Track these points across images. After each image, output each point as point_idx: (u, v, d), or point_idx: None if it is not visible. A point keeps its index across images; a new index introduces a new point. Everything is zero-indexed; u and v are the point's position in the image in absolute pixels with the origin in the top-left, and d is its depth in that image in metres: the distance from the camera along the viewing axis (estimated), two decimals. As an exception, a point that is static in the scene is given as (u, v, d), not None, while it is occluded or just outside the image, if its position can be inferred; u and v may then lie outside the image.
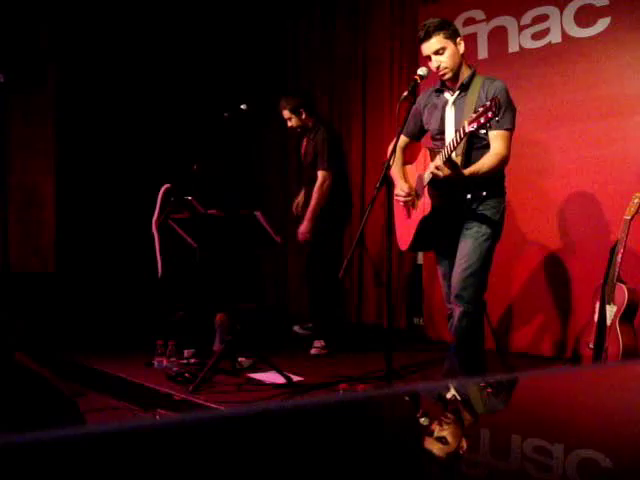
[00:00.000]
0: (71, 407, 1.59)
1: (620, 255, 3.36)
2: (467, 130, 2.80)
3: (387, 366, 3.06)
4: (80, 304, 5.14)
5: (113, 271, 5.48)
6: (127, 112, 5.69)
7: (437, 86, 3.25)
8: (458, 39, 3.15)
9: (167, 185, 3.64)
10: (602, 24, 4.10)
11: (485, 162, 2.99)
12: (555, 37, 4.33)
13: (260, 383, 3.55)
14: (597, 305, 3.45)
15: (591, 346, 3.42)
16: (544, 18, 4.38)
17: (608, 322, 3.38)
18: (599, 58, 4.13)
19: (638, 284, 3.45)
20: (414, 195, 3.26)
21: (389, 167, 3.04)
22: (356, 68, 5.86)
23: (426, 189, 3.09)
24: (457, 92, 3.16)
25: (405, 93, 3.09)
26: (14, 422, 1.33)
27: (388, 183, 3.05)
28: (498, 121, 2.82)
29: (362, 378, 3.68)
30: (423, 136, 3.44)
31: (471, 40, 4.77)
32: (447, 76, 3.13)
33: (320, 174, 4.38)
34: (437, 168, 2.90)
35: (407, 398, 0.85)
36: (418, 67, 3.23)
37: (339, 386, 3.46)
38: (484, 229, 3.08)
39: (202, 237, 3.72)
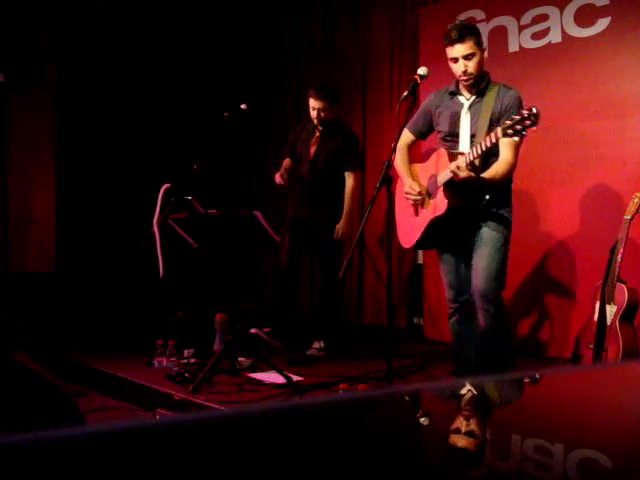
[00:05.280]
0: (71, 407, 1.58)
1: (620, 255, 3.36)
2: (500, 136, 2.84)
3: (387, 366, 3.06)
4: (80, 304, 5.14)
5: (113, 271, 5.48)
6: (127, 112, 5.69)
7: (451, 88, 3.27)
8: (484, 47, 3.19)
9: (167, 185, 3.64)
10: (602, 24, 4.10)
11: (499, 169, 3.06)
12: (555, 37, 4.33)
13: (260, 383, 3.55)
14: (597, 305, 3.45)
15: (591, 346, 3.42)
16: (544, 18, 4.38)
17: (608, 322, 3.37)
18: (599, 58, 4.13)
19: (638, 284, 3.45)
20: (425, 194, 3.27)
21: (389, 167, 3.04)
22: (356, 68, 5.86)
23: (441, 189, 3.10)
24: (473, 97, 3.18)
25: (405, 93, 3.10)
26: (14, 422, 1.33)
27: (388, 183, 3.05)
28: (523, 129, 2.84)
29: (362, 378, 3.68)
30: (429, 135, 3.45)
31: (471, 40, 4.78)
32: (469, 82, 3.15)
33: (354, 175, 4.40)
34: (458, 168, 2.93)
35: (407, 398, 0.85)
36: (418, 67, 3.24)
37: (339, 386, 3.46)
38: (500, 233, 3.16)
39: (202, 237, 3.72)
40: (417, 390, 0.91)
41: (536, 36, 4.43)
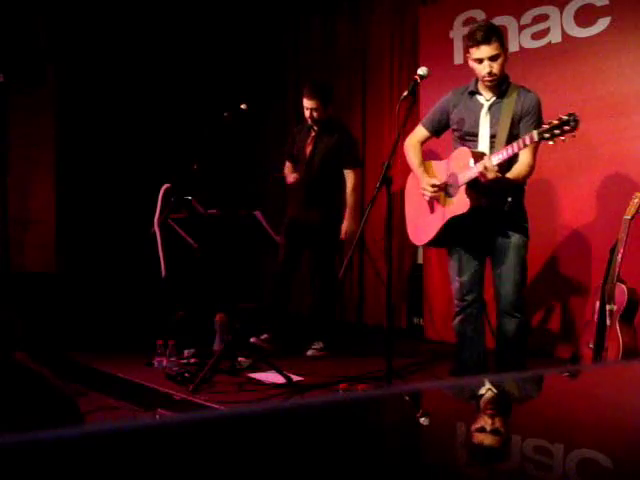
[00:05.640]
0: (71, 407, 1.58)
1: (620, 255, 3.36)
2: (536, 139, 2.88)
3: (387, 366, 3.06)
4: (80, 304, 5.14)
5: (113, 271, 5.48)
6: (127, 111, 5.69)
7: (470, 88, 3.28)
8: (507, 48, 3.24)
9: (167, 185, 3.64)
10: (602, 24, 4.10)
11: (520, 171, 3.11)
12: (555, 37, 4.33)
13: (260, 383, 3.55)
14: (597, 305, 3.45)
15: (591, 346, 3.42)
16: (544, 18, 4.38)
17: (608, 322, 3.37)
18: (599, 58, 4.13)
19: (638, 284, 3.45)
20: (443, 192, 3.28)
21: (389, 167, 3.05)
22: (356, 68, 5.86)
23: (463, 188, 3.11)
24: (493, 98, 3.21)
25: (405, 93, 3.11)
26: (14, 422, 1.33)
27: (388, 183, 3.05)
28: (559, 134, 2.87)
29: (362, 378, 3.68)
30: (444, 133, 3.45)
31: (471, 40, 4.78)
32: (492, 83, 3.18)
33: (354, 172, 4.40)
34: (485, 168, 2.95)
35: (407, 398, 0.85)
36: (418, 67, 3.24)
37: (339, 386, 3.46)
38: (522, 238, 3.22)
39: (202, 237, 3.72)
40: (419, 389, 0.91)
41: (536, 36, 4.43)
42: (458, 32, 4.85)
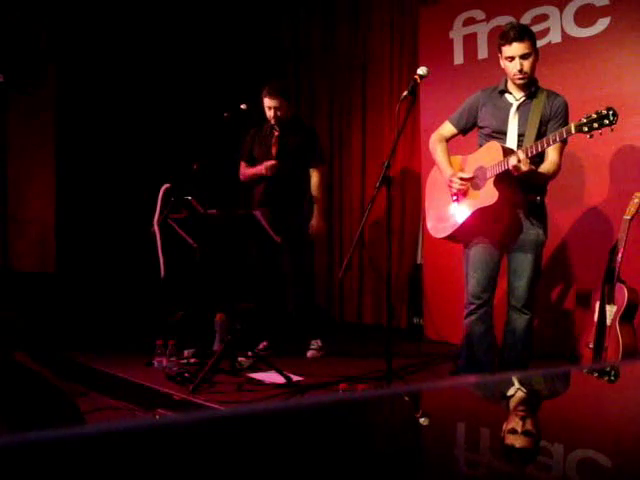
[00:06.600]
0: (71, 407, 1.58)
1: (620, 255, 3.36)
2: (573, 132, 2.91)
3: (387, 366, 3.06)
4: (80, 304, 5.15)
5: (113, 271, 5.49)
6: (127, 112, 5.69)
7: (500, 87, 3.31)
8: (538, 50, 3.26)
9: (167, 185, 3.64)
10: (602, 24, 4.11)
11: (550, 168, 3.16)
12: (555, 37, 4.34)
13: (260, 383, 3.55)
14: (597, 305, 3.45)
15: (591, 346, 3.42)
16: (544, 18, 4.38)
17: (608, 322, 3.38)
18: (599, 58, 4.14)
19: (638, 284, 3.45)
20: (469, 184, 3.30)
21: (389, 167, 3.05)
22: (356, 68, 5.87)
23: (491, 180, 3.14)
24: (523, 98, 3.24)
25: (405, 93, 3.13)
26: (14, 422, 1.33)
27: (388, 183, 3.05)
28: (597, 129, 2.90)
29: (362, 378, 3.68)
30: (470, 131, 3.48)
31: (471, 40, 4.78)
32: (522, 82, 3.21)
33: (318, 171, 4.42)
34: (519, 161, 2.99)
35: (407, 398, 0.85)
36: (418, 67, 3.25)
37: (339, 386, 3.46)
38: (543, 236, 3.26)
39: (202, 237, 3.72)
40: (418, 389, 0.91)
41: (536, 36, 4.42)
42: (458, 32, 4.85)
